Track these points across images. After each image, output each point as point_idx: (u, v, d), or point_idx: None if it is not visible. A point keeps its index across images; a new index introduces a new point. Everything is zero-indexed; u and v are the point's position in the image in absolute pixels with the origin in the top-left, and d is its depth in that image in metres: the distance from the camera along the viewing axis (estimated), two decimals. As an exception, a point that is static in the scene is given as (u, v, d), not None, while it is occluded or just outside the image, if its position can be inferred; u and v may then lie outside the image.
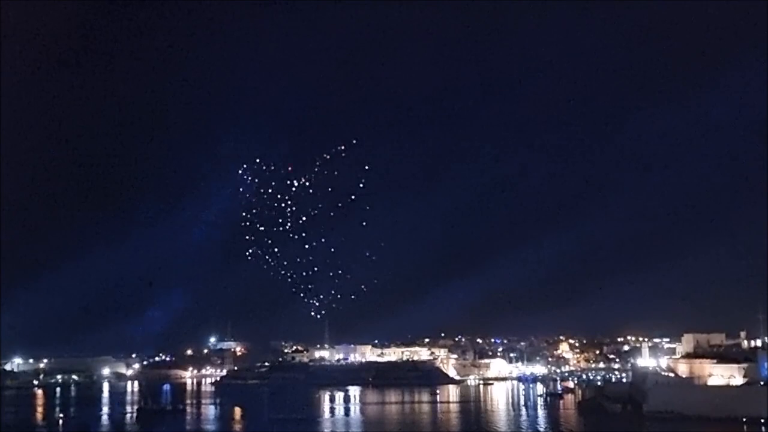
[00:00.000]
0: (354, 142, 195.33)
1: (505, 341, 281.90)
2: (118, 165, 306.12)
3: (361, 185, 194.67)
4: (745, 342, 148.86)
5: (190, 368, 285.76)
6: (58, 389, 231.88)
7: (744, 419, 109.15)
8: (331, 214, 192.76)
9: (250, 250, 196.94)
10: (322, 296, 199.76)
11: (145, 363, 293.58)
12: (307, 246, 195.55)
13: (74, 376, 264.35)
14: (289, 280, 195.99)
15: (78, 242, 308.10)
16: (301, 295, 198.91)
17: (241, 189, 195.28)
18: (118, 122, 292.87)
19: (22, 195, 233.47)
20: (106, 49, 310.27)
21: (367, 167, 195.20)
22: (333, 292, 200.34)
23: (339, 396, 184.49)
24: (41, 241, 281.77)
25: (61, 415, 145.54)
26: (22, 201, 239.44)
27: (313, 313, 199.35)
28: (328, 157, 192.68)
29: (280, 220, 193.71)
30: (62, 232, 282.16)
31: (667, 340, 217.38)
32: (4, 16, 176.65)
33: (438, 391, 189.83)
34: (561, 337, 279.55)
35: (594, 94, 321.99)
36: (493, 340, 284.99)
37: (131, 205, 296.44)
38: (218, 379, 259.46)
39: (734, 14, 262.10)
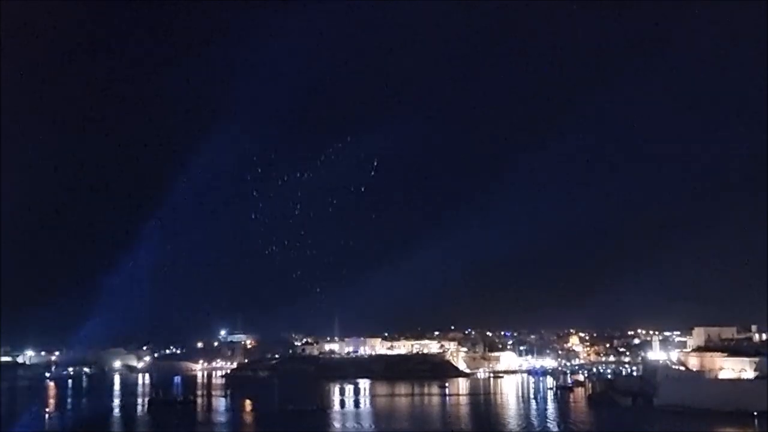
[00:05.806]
0: (353, 137, 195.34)
1: (515, 334, 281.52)
2: (123, 162, 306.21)
3: (371, 173, 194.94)
4: (757, 336, 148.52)
5: (201, 360, 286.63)
6: (69, 381, 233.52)
7: (755, 413, 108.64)
8: (339, 206, 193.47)
9: (260, 242, 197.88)
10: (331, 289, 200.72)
11: (156, 355, 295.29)
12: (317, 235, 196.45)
13: (86, 368, 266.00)
14: (299, 272, 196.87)
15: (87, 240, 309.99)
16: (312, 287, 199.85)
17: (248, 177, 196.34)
18: (118, 121, 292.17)
19: (24, 194, 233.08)
20: (106, 48, 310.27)
21: (375, 161, 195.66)
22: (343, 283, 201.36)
23: (349, 388, 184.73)
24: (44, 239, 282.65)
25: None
26: (24, 200, 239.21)
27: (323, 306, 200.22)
28: (334, 149, 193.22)
29: (289, 212, 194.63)
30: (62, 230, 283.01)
31: (678, 333, 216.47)
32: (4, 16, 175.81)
33: (448, 384, 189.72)
34: (571, 330, 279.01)
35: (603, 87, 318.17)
36: (502, 333, 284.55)
37: (135, 200, 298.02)
38: (229, 371, 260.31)
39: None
